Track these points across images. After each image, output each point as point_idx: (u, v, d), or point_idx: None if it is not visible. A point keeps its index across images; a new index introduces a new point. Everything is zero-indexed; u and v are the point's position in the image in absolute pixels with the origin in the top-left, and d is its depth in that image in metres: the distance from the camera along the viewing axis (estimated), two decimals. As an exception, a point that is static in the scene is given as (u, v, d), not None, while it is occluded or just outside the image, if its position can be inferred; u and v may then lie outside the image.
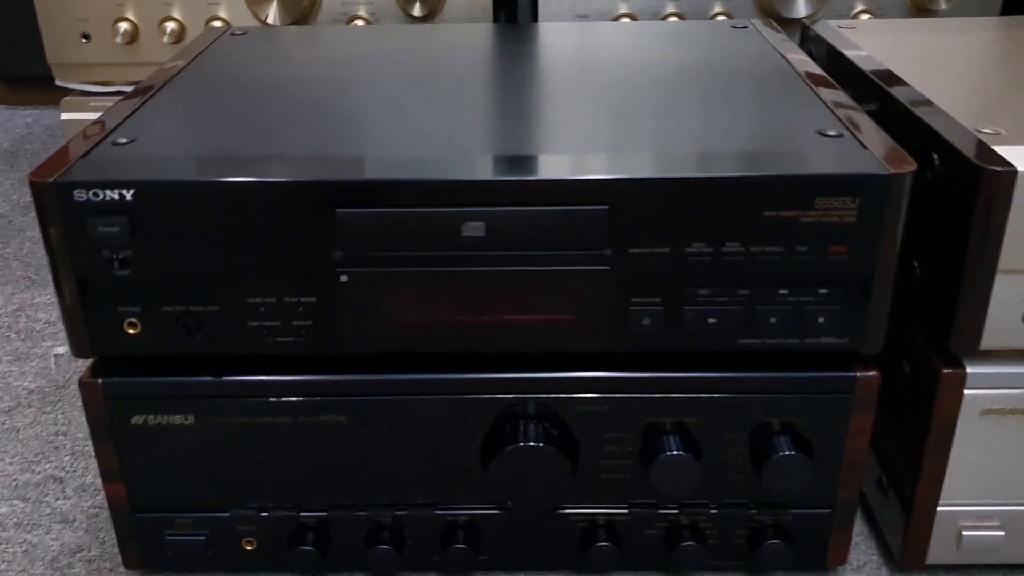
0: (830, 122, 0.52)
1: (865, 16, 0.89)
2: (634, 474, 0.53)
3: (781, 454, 0.51)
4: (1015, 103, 0.54)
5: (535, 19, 0.90)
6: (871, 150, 0.48)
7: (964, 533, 0.54)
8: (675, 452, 0.51)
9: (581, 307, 0.49)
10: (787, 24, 0.86)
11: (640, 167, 0.47)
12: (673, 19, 0.89)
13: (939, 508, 0.54)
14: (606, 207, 0.46)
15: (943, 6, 0.88)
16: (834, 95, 0.56)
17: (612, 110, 0.55)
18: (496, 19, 0.91)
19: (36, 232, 1.06)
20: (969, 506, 0.54)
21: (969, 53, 0.65)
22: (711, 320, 0.49)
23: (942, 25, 0.74)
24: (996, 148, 0.47)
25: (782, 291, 0.48)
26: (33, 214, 1.09)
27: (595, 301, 0.48)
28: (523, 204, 0.46)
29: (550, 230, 0.47)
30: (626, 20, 0.89)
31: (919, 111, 0.53)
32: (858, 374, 0.50)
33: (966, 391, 0.51)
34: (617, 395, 0.51)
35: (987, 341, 0.49)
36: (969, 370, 0.50)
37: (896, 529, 0.57)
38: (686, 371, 0.51)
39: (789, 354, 0.50)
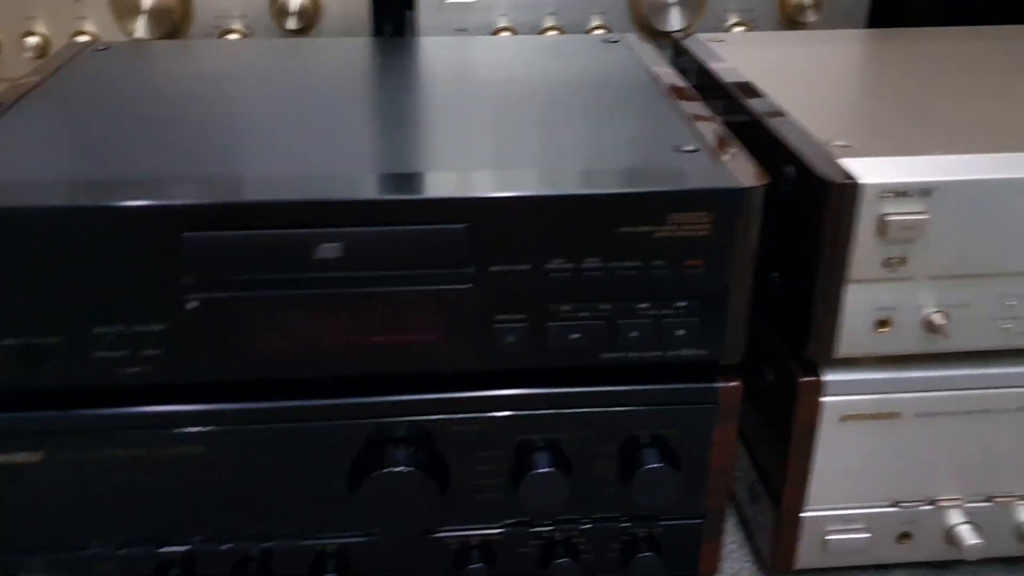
0: (687, 137, 0.52)
1: (739, 28, 0.91)
2: (507, 493, 0.53)
3: (648, 467, 0.51)
4: (870, 115, 0.56)
5: (414, 33, 0.89)
6: (725, 164, 0.48)
7: (830, 537, 0.56)
8: (543, 470, 0.50)
9: (445, 327, 0.48)
10: (663, 37, 0.87)
11: (499, 185, 0.47)
12: (552, 33, 0.89)
13: (805, 513, 0.55)
14: (465, 225, 0.46)
15: (812, 19, 0.90)
16: (695, 109, 0.57)
17: (475, 127, 0.55)
18: (379, 32, 0.90)
19: None
20: (834, 510, 0.55)
21: (831, 66, 0.67)
22: (574, 336, 0.49)
23: (808, 38, 0.76)
24: (845, 161, 0.48)
25: (642, 305, 0.48)
26: None
27: (458, 320, 0.48)
28: (381, 224, 0.46)
29: (409, 249, 0.46)
30: (505, 34, 0.89)
31: (774, 124, 0.54)
32: (719, 385, 0.51)
33: (824, 398, 0.52)
34: (486, 414, 0.51)
35: (842, 349, 0.50)
36: (826, 378, 0.51)
37: (766, 535, 0.57)
38: (553, 387, 0.51)
39: (653, 367, 0.50)
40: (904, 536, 0.56)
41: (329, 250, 0.46)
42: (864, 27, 0.92)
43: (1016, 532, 0.56)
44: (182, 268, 0.45)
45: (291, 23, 0.84)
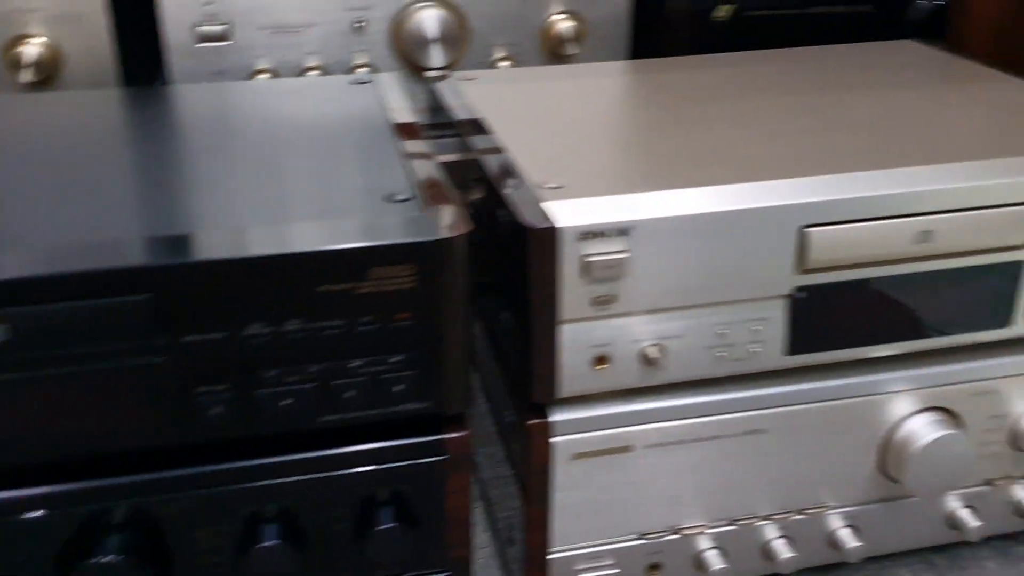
0: (403, 184, 0.51)
1: (505, 64, 0.92)
2: (232, 569, 0.50)
3: (382, 527, 0.50)
4: (592, 153, 0.56)
5: (167, 79, 0.86)
6: (433, 213, 0.48)
7: (580, 575, 0.55)
8: (267, 543, 0.48)
9: (141, 403, 0.45)
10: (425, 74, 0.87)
11: (185, 249, 0.44)
12: (314, 73, 0.88)
13: (551, 555, 0.55)
14: (149, 295, 0.43)
15: (574, 51, 0.91)
16: (419, 154, 0.56)
17: (184, 182, 0.53)
18: (129, 82, 0.86)
19: None
20: (580, 549, 0.55)
21: (568, 102, 0.67)
22: (285, 401, 0.47)
23: (561, 72, 0.76)
24: (548, 204, 0.48)
25: (354, 363, 0.47)
26: None
27: (156, 396, 0.45)
28: (55, 300, 0.43)
29: (89, 326, 0.43)
30: (264, 76, 0.87)
31: (492, 167, 0.54)
32: (447, 436, 0.50)
33: (553, 439, 0.52)
34: (204, 490, 0.48)
35: (564, 389, 0.50)
36: (553, 418, 0.51)
37: (522, 578, 0.57)
38: (272, 456, 0.49)
39: (376, 424, 0.49)
40: (653, 567, 0.57)
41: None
42: (626, 58, 0.94)
43: (761, 552, 0.58)
44: None
45: (26, 75, 0.80)
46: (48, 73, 0.81)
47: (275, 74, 0.88)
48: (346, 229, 0.46)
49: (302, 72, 0.88)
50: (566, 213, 0.47)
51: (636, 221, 0.47)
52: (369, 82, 0.74)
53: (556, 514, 0.53)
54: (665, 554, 0.56)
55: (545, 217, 0.47)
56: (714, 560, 0.56)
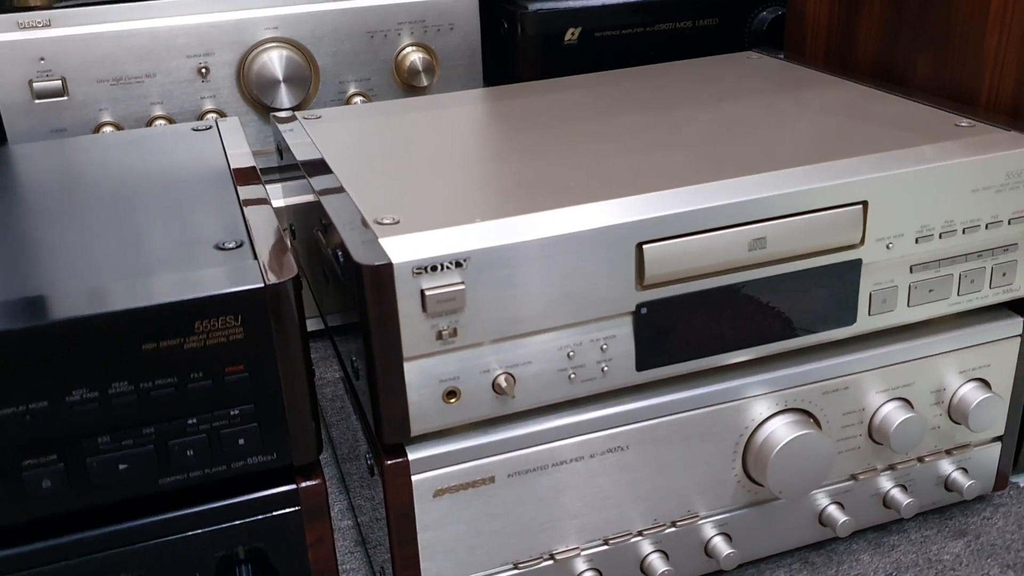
0: (234, 232, 0.50)
1: (359, 99, 0.91)
2: (94, 643, 0.48)
3: (241, 586, 0.48)
4: (427, 186, 0.55)
5: (3, 138, 0.83)
6: (260, 260, 0.46)
7: (456, 612, 0.54)
8: (117, 615, 0.46)
9: (-33, 483, 0.43)
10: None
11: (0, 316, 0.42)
12: (161, 122, 0.86)
13: (425, 595, 0.54)
14: (-41, 370, 0.41)
15: (427, 82, 0.91)
16: (253, 199, 0.55)
17: (12, 247, 0.50)
18: (-35, 143, 0.83)
19: None
20: (454, 584, 0.54)
21: (420, 134, 0.67)
22: (122, 466, 0.45)
23: (413, 104, 0.76)
24: (383, 240, 0.47)
25: (191, 421, 0.45)
26: None
27: (-20, 473, 0.43)
28: None
29: None
30: (108, 129, 0.84)
31: (329, 206, 0.53)
32: (300, 485, 0.49)
33: (413, 477, 0.51)
34: (44, 567, 0.46)
35: (417, 426, 0.49)
36: (411, 456, 0.50)
37: (398, 623, 0.56)
38: (117, 524, 0.46)
39: (227, 481, 0.47)
40: (531, 595, 0.56)
41: None
42: (480, 85, 0.95)
43: (640, 568, 0.58)
44: None
45: None
46: None
47: (119, 126, 0.85)
48: (171, 283, 0.45)
49: (150, 122, 0.86)
50: (400, 248, 0.46)
51: (470, 251, 0.47)
52: (211, 128, 0.72)
53: (425, 553, 0.52)
54: (541, 581, 0.56)
55: (380, 254, 0.46)
56: (592, 581, 0.56)
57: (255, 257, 0.47)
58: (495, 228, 0.48)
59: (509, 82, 0.88)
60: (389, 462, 0.50)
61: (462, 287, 0.47)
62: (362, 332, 0.48)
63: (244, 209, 0.53)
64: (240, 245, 0.48)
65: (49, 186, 0.61)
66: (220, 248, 0.48)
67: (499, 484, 0.53)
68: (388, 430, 0.49)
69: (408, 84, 0.92)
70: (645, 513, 0.57)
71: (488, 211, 0.50)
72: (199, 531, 0.48)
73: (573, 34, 0.95)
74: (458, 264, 0.46)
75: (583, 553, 0.56)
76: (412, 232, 0.48)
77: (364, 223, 0.50)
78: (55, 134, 0.84)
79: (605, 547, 0.57)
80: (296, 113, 0.74)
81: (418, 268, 0.46)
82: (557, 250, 0.48)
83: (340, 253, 0.49)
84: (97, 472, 0.44)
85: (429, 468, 0.51)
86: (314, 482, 0.49)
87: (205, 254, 0.48)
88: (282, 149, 0.71)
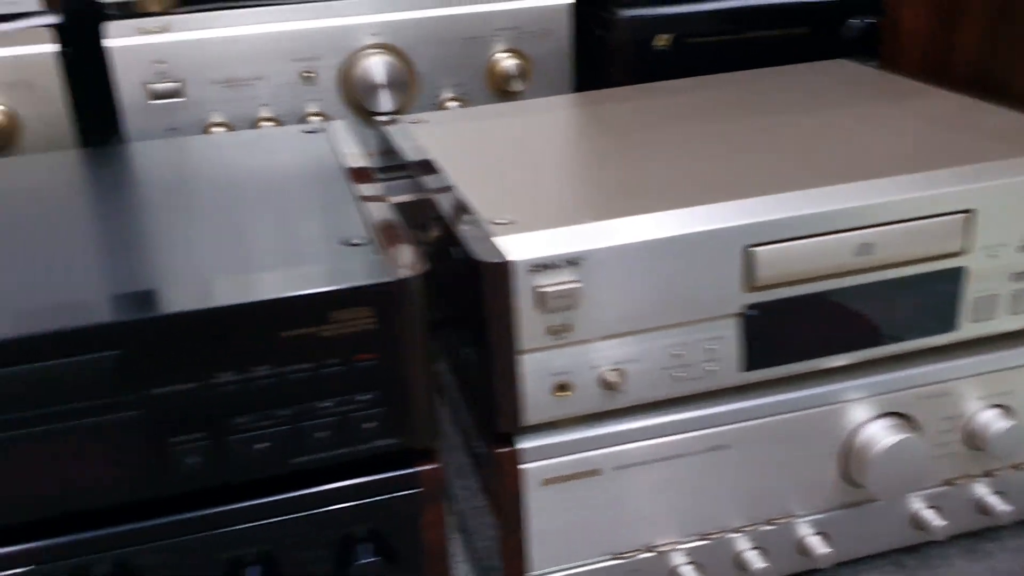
0: (358, 228, 0.53)
1: (454, 104, 0.94)
2: (223, 613, 0.51)
3: (360, 562, 0.50)
4: (538, 187, 0.58)
5: (123, 137, 0.87)
6: (388, 255, 0.49)
7: (558, 599, 0.56)
8: (249, 586, 0.49)
9: (117, 458, 0.46)
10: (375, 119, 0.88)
11: (150, 304, 0.45)
12: (267, 124, 0.89)
13: (529, 581, 0.56)
14: (117, 352, 0.44)
15: (520, 88, 0.94)
16: (373, 197, 0.58)
17: (144, 239, 0.54)
18: (87, 143, 0.87)
19: None
20: (557, 572, 0.56)
21: (516, 138, 0.69)
22: (259, 445, 0.48)
23: (505, 110, 0.78)
24: (500, 239, 0.50)
25: (323, 405, 0.48)
26: None
27: (131, 449, 0.46)
28: (27, 361, 0.43)
29: (61, 385, 0.44)
30: (219, 130, 0.88)
31: (443, 205, 0.55)
32: (419, 469, 0.51)
33: (522, 466, 0.53)
34: (187, 537, 0.49)
35: (529, 417, 0.52)
36: (520, 446, 0.52)
37: (501, 607, 0.58)
38: (250, 500, 0.49)
39: (351, 463, 0.50)
40: (629, 586, 0.58)
41: (-28, 397, 0.43)
42: (571, 91, 0.97)
43: (735, 564, 0.59)
44: None
45: (-18, 143, 0.81)
46: (5, 141, 0.82)
47: (229, 127, 0.89)
48: (306, 275, 0.48)
49: (256, 123, 0.90)
50: (517, 247, 0.48)
51: (585, 251, 0.49)
52: (321, 130, 0.75)
53: (532, 540, 0.54)
54: (641, 572, 0.58)
55: (497, 252, 0.48)
56: (689, 574, 0.57)
57: (382, 252, 0.50)
58: (608, 229, 0.50)
59: (599, 87, 0.90)
60: (501, 451, 0.52)
61: (577, 285, 0.49)
62: (479, 326, 0.50)
63: (365, 207, 0.56)
64: (365, 241, 0.51)
65: (177, 182, 0.64)
66: (347, 244, 0.51)
67: (604, 476, 0.55)
68: (502, 419, 0.51)
69: (501, 89, 0.94)
70: (743, 511, 0.58)
71: (599, 212, 0.52)
72: (324, 510, 0.51)
73: (665, 40, 0.97)
74: (573, 263, 0.49)
75: (681, 547, 0.58)
76: (527, 231, 0.50)
77: (480, 222, 0.52)
78: (168, 133, 0.88)
79: (703, 542, 0.58)
80: (399, 117, 0.77)
81: (535, 266, 0.48)
82: (668, 251, 0.50)
83: (456, 251, 0.52)
84: (237, 450, 0.47)
85: (539, 458, 0.53)
86: (433, 466, 0.51)
87: (333, 249, 0.51)
88: (386, 151, 0.74)
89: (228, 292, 0.46)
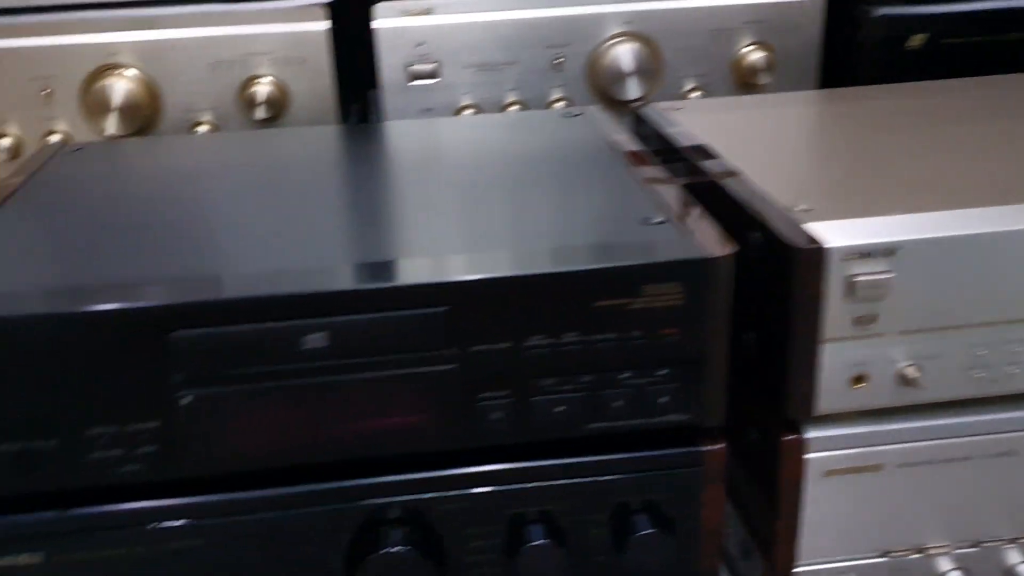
0: (653, 209, 0.54)
1: (696, 94, 0.94)
2: (503, 567, 0.53)
3: (640, 533, 0.52)
4: (825, 177, 0.58)
5: (380, 114, 0.91)
6: (693, 234, 0.50)
7: (823, 591, 0.56)
8: (538, 542, 0.51)
9: (430, 408, 0.49)
10: (622, 107, 0.90)
11: (476, 268, 0.48)
12: (514, 108, 0.92)
13: (797, 569, 0.56)
14: (445, 309, 0.47)
15: (765, 81, 0.93)
16: (657, 179, 0.59)
17: (448, 209, 0.57)
18: (345, 119, 0.92)
19: None
20: (825, 564, 0.56)
21: (784, 128, 0.69)
22: (558, 409, 0.50)
23: (761, 101, 0.78)
24: (808, 225, 0.50)
25: (623, 375, 0.49)
26: None
27: (444, 400, 0.49)
28: (364, 312, 0.47)
29: (392, 335, 0.47)
30: (469, 112, 0.91)
31: (735, 190, 0.56)
32: (704, 448, 0.52)
33: (807, 455, 0.53)
34: (477, 490, 0.52)
35: (821, 406, 0.52)
36: (808, 435, 0.53)
37: (760, 593, 0.58)
38: (541, 460, 0.52)
39: (639, 434, 0.51)
40: (894, 586, 0.57)
41: (315, 340, 0.46)
42: (816, 87, 0.96)
43: (1006, 574, 0.57)
44: (172, 366, 0.46)
45: (260, 113, 0.86)
46: (276, 111, 0.87)
47: (478, 110, 0.92)
48: (617, 249, 0.49)
49: (503, 108, 0.93)
50: (832, 234, 0.48)
51: (903, 242, 0.48)
52: (579, 114, 0.77)
53: (804, 529, 0.54)
54: (908, 573, 0.57)
55: (811, 238, 0.48)
56: (957, 582, 0.56)
57: (685, 232, 0.51)
58: (922, 221, 0.49)
59: (842, 86, 0.88)
60: (788, 437, 0.53)
61: (889, 276, 0.49)
62: (779, 311, 0.50)
63: (653, 188, 0.57)
64: (664, 221, 0.52)
65: (462, 159, 0.67)
66: (646, 223, 0.52)
67: (886, 473, 0.54)
68: (793, 406, 0.51)
69: (745, 82, 0.94)
70: (1022, 521, 0.56)
71: (903, 204, 0.51)
72: (609, 478, 0.52)
73: (919, 40, 0.94)
74: (889, 253, 0.48)
75: (952, 552, 0.57)
76: (836, 219, 0.50)
77: (782, 208, 0.52)
78: (422, 114, 0.92)
79: (974, 549, 0.57)
80: (656, 104, 0.78)
81: (850, 254, 0.48)
82: (987, 248, 0.49)
83: (755, 235, 0.52)
84: (538, 410, 0.49)
85: (824, 448, 0.53)
86: (718, 446, 0.52)
87: (635, 227, 0.52)
88: (642, 136, 0.75)
89: (545, 261, 0.48)
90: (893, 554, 0.56)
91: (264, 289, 0.46)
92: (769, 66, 0.93)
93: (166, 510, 0.50)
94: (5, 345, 0.45)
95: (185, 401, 0.47)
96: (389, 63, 0.90)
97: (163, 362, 0.46)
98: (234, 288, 0.46)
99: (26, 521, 0.49)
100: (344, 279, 0.47)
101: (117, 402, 0.47)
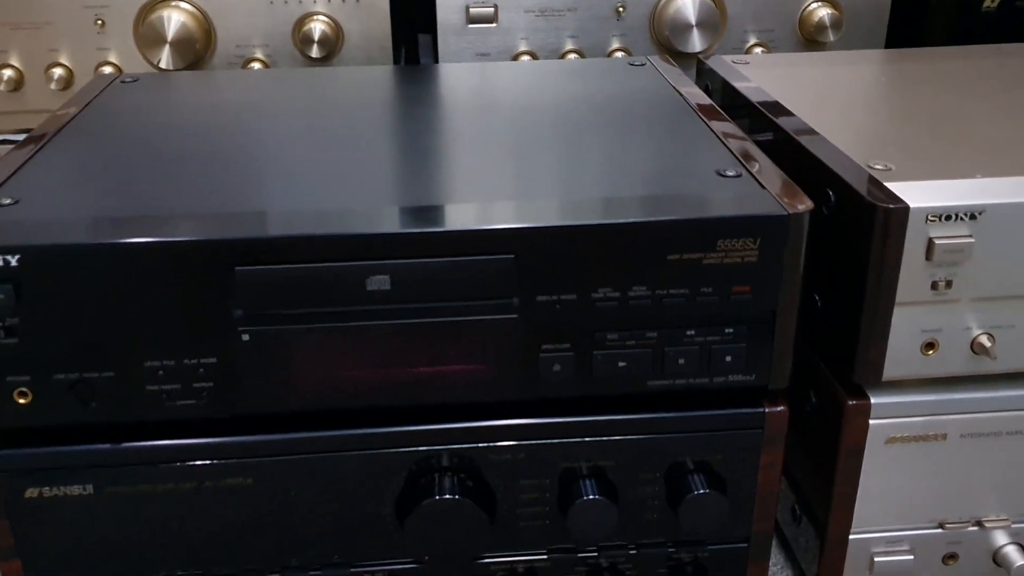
0: (728, 162, 0.52)
1: (758, 50, 0.92)
2: (552, 520, 0.53)
3: (696, 492, 0.51)
4: (902, 137, 0.56)
5: (436, 59, 0.90)
6: (769, 190, 0.49)
7: (876, 559, 0.55)
8: (591, 497, 0.50)
9: (491, 356, 0.48)
10: (682, 59, 0.87)
11: (544, 215, 0.47)
12: (572, 56, 0.90)
13: (851, 535, 0.55)
14: (512, 256, 0.46)
15: (831, 38, 0.90)
16: (729, 131, 0.57)
17: (515, 154, 0.55)
18: (396, 60, 0.91)
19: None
20: (880, 532, 0.55)
21: (857, 86, 0.67)
22: (621, 364, 0.49)
23: (830, 58, 0.76)
24: (888, 184, 0.48)
25: (689, 332, 0.48)
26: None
27: (505, 350, 0.48)
28: (428, 256, 0.46)
29: (457, 281, 0.46)
30: (526, 58, 0.89)
31: (812, 147, 0.54)
32: (766, 410, 0.51)
33: (871, 421, 0.52)
34: (532, 442, 0.51)
35: (889, 372, 0.50)
36: (873, 400, 0.51)
37: (810, 556, 0.57)
38: (599, 415, 0.51)
39: (699, 393, 0.50)
40: (950, 557, 0.56)
41: (379, 282, 0.46)
42: (883, 47, 0.93)
43: (1062, 551, 0.56)
44: (234, 302, 0.45)
45: (314, 51, 0.85)
46: (330, 50, 0.86)
47: (534, 56, 0.90)
48: (691, 201, 0.48)
49: (561, 55, 0.91)
50: (915, 194, 0.47)
51: (987, 205, 0.47)
52: (644, 64, 0.75)
53: (862, 495, 0.53)
54: (963, 545, 0.56)
55: (894, 197, 0.47)
56: (1015, 556, 0.55)
57: (761, 187, 0.49)
58: (1007, 185, 0.48)
59: (910, 46, 0.85)
60: (852, 402, 0.51)
61: (971, 240, 0.47)
62: (853, 272, 0.49)
63: (728, 143, 0.55)
64: (739, 175, 0.51)
65: (527, 104, 0.66)
66: (721, 175, 0.51)
67: (949, 443, 0.53)
68: (861, 371, 0.50)
69: (810, 39, 0.91)
70: (1083, 499, 0.55)
71: (986, 167, 0.49)
72: (668, 435, 0.51)
73: (992, 2, 0.91)
74: (972, 216, 0.46)
75: (1012, 526, 0.56)
76: (916, 180, 0.48)
77: (859, 168, 0.50)
78: (477, 58, 0.90)
79: (1033, 525, 0.56)
80: (722, 57, 0.76)
81: (933, 215, 0.46)
82: (1071, 216, 0.47)
83: (835, 193, 0.51)
84: (600, 365, 0.49)
85: (888, 415, 0.52)
86: (779, 408, 0.51)
87: (709, 179, 0.50)
88: (712, 88, 0.73)
89: (617, 211, 0.47)
90: (948, 525, 0.55)
91: (329, 228, 0.45)
92: (836, 24, 0.90)
93: (217, 447, 0.49)
94: (65, 273, 0.44)
95: (245, 337, 0.46)
96: (446, 4, 0.88)
97: (226, 297, 0.45)
98: (300, 226, 0.45)
99: (78, 452, 0.49)
100: (411, 221, 0.46)
101: (176, 335, 0.46)
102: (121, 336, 0.46)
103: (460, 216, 0.47)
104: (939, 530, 0.55)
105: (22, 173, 0.52)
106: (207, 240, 0.44)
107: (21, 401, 0.47)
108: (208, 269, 0.45)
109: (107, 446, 0.49)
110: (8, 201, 0.48)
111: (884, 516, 0.55)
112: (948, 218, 0.47)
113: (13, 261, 0.44)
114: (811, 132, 0.56)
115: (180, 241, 0.44)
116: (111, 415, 0.48)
